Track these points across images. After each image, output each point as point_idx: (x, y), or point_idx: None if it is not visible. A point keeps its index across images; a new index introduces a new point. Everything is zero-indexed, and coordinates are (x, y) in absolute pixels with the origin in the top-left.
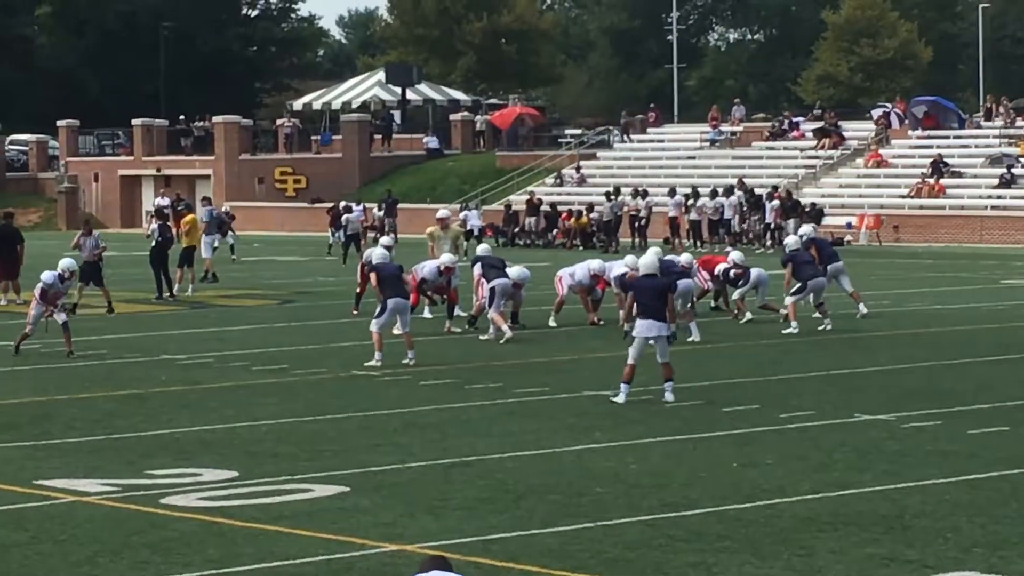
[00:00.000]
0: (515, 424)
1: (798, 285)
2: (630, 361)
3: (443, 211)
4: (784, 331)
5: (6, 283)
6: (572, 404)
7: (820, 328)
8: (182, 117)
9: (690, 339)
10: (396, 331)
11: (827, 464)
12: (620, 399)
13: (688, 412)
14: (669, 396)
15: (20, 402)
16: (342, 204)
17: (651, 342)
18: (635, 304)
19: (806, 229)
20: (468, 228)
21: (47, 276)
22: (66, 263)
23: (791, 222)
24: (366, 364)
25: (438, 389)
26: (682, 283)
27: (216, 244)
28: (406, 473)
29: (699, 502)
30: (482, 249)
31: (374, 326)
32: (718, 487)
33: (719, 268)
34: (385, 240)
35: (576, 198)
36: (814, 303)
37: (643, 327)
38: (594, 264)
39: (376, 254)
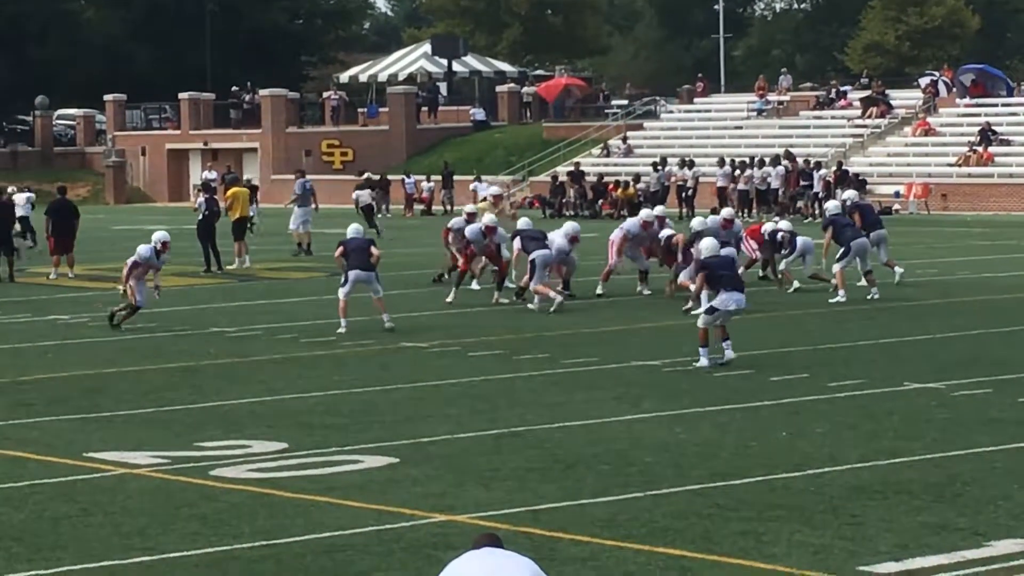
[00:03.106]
0: (563, 394)
1: (842, 250)
2: (701, 326)
3: (494, 188)
4: (832, 300)
5: (58, 257)
6: (620, 374)
7: (868, 297)
8: (235, 88)
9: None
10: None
11: (877, 433)
12: (703, 362)
13: (736, 382)
14: (730, 353)
15: (70, 375)
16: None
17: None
18: (707, 281)
19: (850, 193)
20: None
21: (143, 249)
22: (160, 235)
23: (839, 192)
24: (337, 331)
25: (487, 360)
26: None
27: (308, 217)
28: (455, 444)
29: (748, 471)
30: (522, 223)
31: (341, 294)
32: (767, 456)
33: (766, 228)
34: (470, 208)
35: (623, 169)
36: (862, 270)
37: (725, 299)
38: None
39: (350, 229)
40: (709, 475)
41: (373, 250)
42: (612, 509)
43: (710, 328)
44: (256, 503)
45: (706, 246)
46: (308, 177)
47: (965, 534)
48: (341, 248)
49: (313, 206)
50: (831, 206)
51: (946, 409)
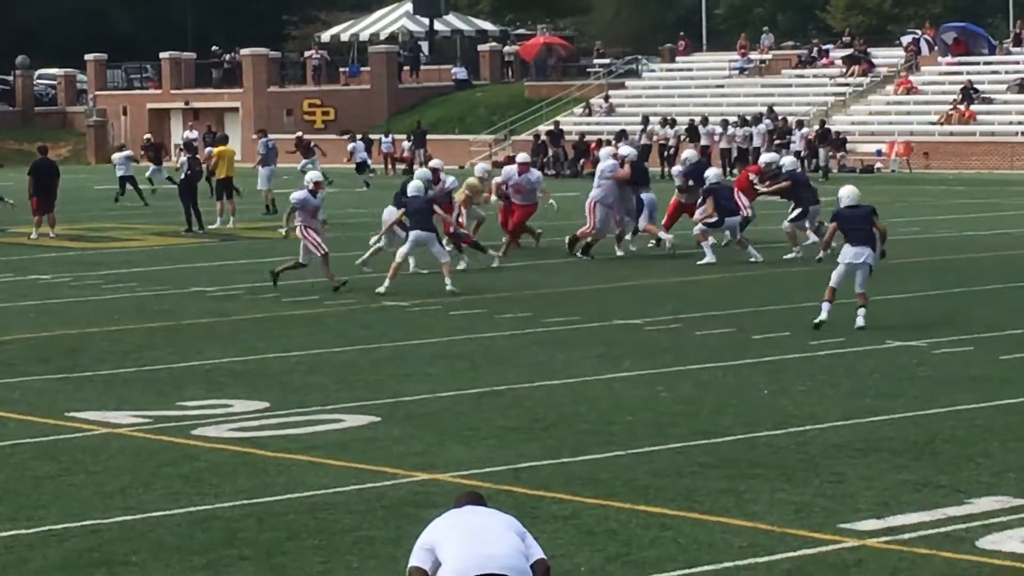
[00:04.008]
0: (545, 353)
1: (799, 211)
2: (832, 285)
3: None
4: (787, 256)
5: (40, 217)
6: (602, 333)
7: (789, 256)
8: (216, 48)
9: (703, 262)
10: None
11: (858, 391)
12: (824, 316)
13: (718, 340)
14: (860, 321)
15: (51, 335)
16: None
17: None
18: (837, 232)
19: (788, 160)
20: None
21: (297, 195)
22: (313, 175)
23: (822, 151)
24: (377, 290)
25: (468, 319)
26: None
27: (271, 176)
28: (437, 403)
29: (730, 429)
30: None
31: (400, 254)
32: (748, 414)
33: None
34: (421, 172)
35: (605, 128)
36: (811, 227)
37: (851, 253)
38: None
39: (411, 186)
40: (690, 433)
41: (437, 209)
42: (594, 467)
43: (839, 288)
44: (238, 462)
45: (845, 194)
46: (284, 135)
47: (946, 491)
48: (405, 207)
49: (274, 165)
50: (788, 161)
51: (927, 367)
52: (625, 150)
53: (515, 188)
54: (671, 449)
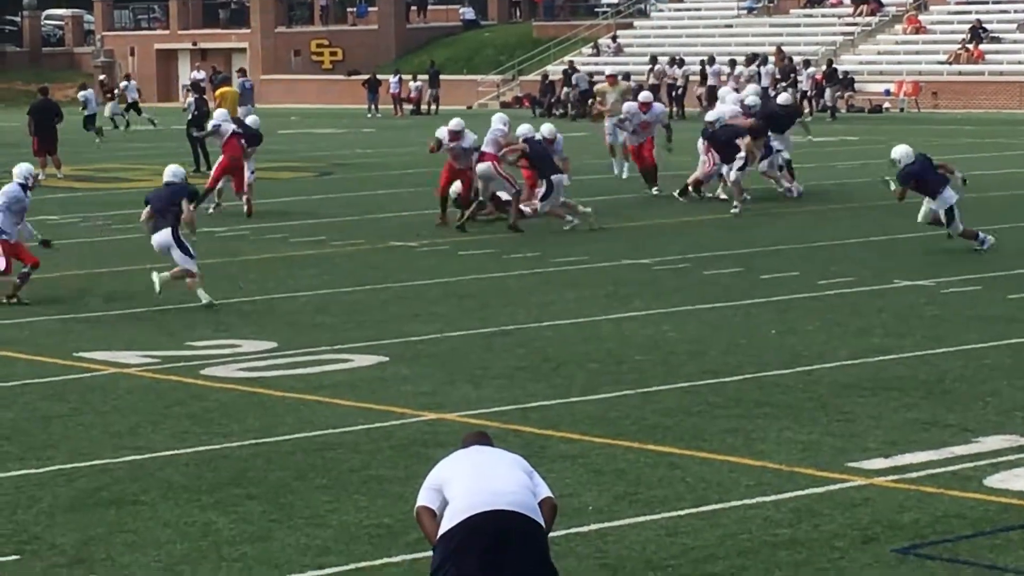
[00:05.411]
0: (554, 293)
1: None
2: (957, 234)
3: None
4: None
5: (45, 158)
6: (611, 273)
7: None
8: None
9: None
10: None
11: (866, 330)
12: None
13: (726, 280)
14: (979, 246)
15: (60, 275)
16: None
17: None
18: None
19: (751, 100)
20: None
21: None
22: (500, 116)
23: (829, 90)
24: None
25: (476, 259)
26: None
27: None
28: (445, 342)
29: (738, 369)
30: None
31: (545, 207)
32: (757, 354)
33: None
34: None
35: (613, 68)
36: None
37: (946, 197)
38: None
39: (521, 129)
40: (699, 373)
41: (498, 168)
42: (602, 407)
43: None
44: (246, 402)
45: (901, 153)
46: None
47: (954, 430)
48: (527, 153)
49: (251, 104)
50: (750, 90)
51: (936, 306)
52: (751, 100)
53: (642, 126)
54: (679, 388)
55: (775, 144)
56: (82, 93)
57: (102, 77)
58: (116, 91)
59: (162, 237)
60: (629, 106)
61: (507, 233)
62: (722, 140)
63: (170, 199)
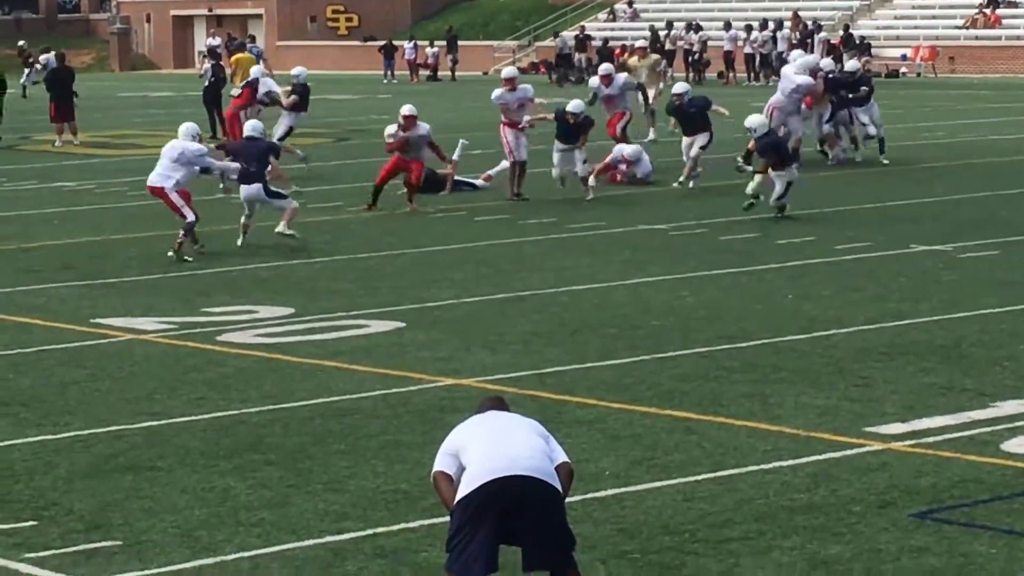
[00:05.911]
0: (570, 258)
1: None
2: None
3: (641, 41)
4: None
5: (62, 124)
6: (627, 238)
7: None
8: None
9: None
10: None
11: (883, 295)
12: None
13: (742, 245)
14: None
15: (76, 242)
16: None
17: None
18: None
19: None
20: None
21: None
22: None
23: (846, 55)
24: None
25: (492, 224)
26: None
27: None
28: (461, 308)
29: (754, 334)
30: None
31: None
32: (773, 319)
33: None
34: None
35: (629, 33)
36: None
37: None
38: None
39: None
40: (715, 338)
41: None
42: (618, 372)
43: None
44: (263, 368)
45: (756, 122)
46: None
47: (971, 395)
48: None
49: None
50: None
51: (953, 271)
52: (827, 63)
53: (605, 101)
54: (696, 353)
55: (862, 118)
56: (43, 56)
57: (21, 43)
58: (31, 60)
59: (253, 190)
60: (593, 80)
61: (523, 199)
62: (689, 113)
63: (258, 156)
